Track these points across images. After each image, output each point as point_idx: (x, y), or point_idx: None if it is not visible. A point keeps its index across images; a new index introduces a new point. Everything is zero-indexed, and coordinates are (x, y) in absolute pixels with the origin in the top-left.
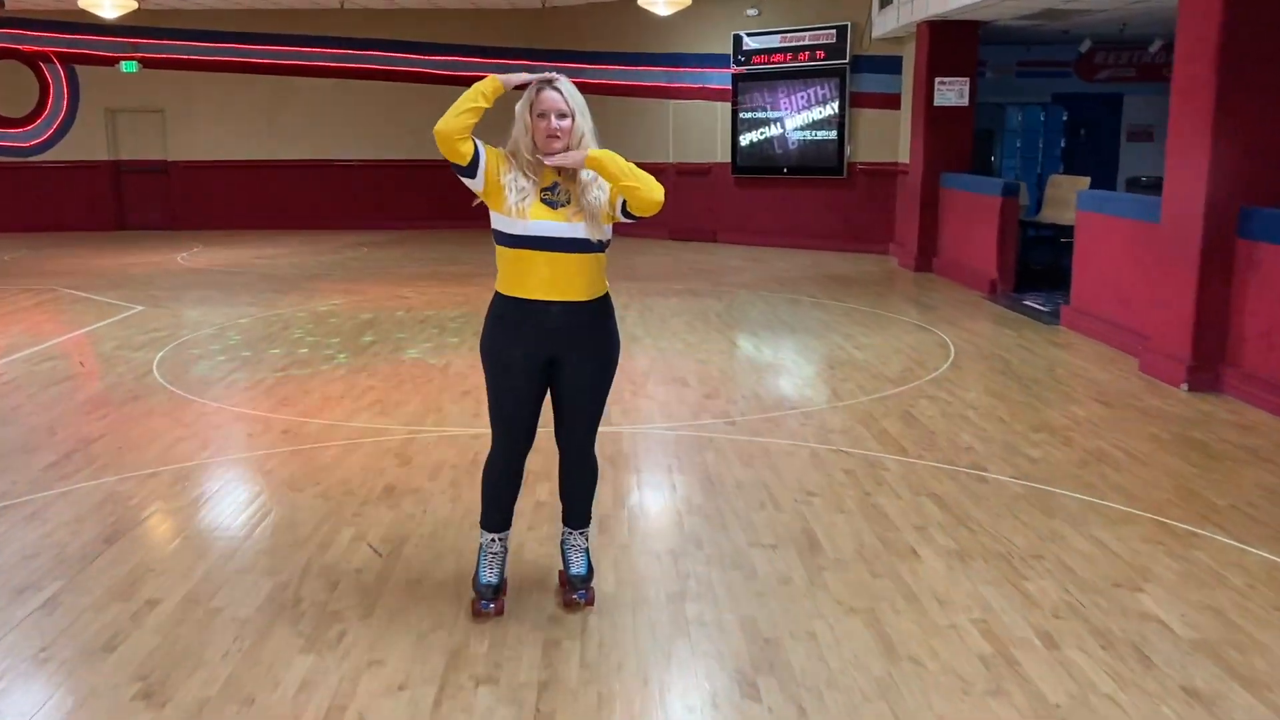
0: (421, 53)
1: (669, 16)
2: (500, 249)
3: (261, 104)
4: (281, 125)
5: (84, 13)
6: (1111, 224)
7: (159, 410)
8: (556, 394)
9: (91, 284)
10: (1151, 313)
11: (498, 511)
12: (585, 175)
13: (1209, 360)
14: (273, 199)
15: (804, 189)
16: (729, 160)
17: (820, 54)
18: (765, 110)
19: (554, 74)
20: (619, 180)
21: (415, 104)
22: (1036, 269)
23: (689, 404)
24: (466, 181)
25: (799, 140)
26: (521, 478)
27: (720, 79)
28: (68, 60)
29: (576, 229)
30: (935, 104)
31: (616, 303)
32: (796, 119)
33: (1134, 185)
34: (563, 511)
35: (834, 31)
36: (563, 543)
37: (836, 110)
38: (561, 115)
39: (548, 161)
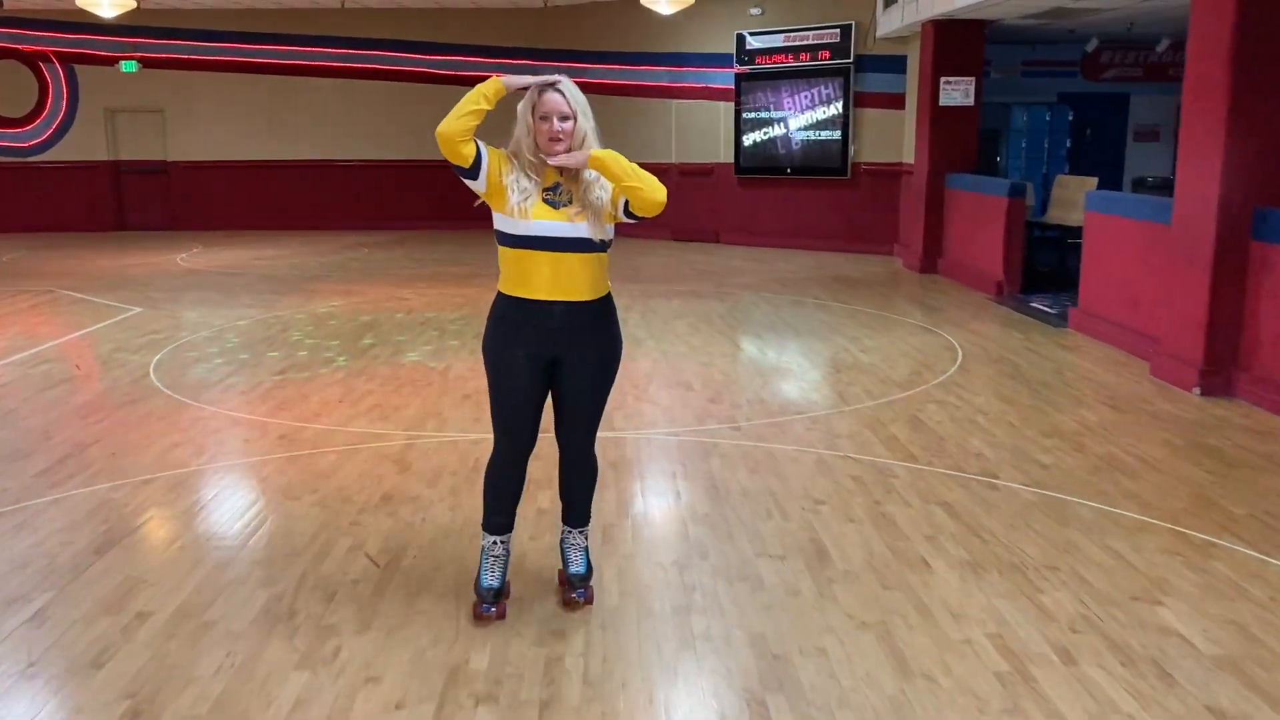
0: (423, 52)
1: (672, 16)
2: (502, 249)
3: (262, 104)
4: (282, 125)
5: (83, 12)
6: (1121, 225)
7: (155, 414)
8: (558, 393)
9: (90, 285)
10: (1162, 315)
11: (500, 514)
12: (588, 175)
13: (1222, 364)
14: (273, 199)
15: (808, 189)
16: (732, 160)
17: (824, 53)
18: (769, 110)
19: (557, 76)
20: (621, 181)
21: (416, 104)
22: (1043, 270)
23: (693, 408)
24: (468, 183)
25: (803, 140)
26: (524, 480)
27: (723, 79)
28: (67, 60)
29: (579, 229)
30: (940, 104)
31: (619, 304)
32: (800, 119)
33: (1140, 186)
34: (562, 511)
35: (838, 31)
36: (562, 541)
37: (840, 110)
38: (564, 118)
39: (551, 162)
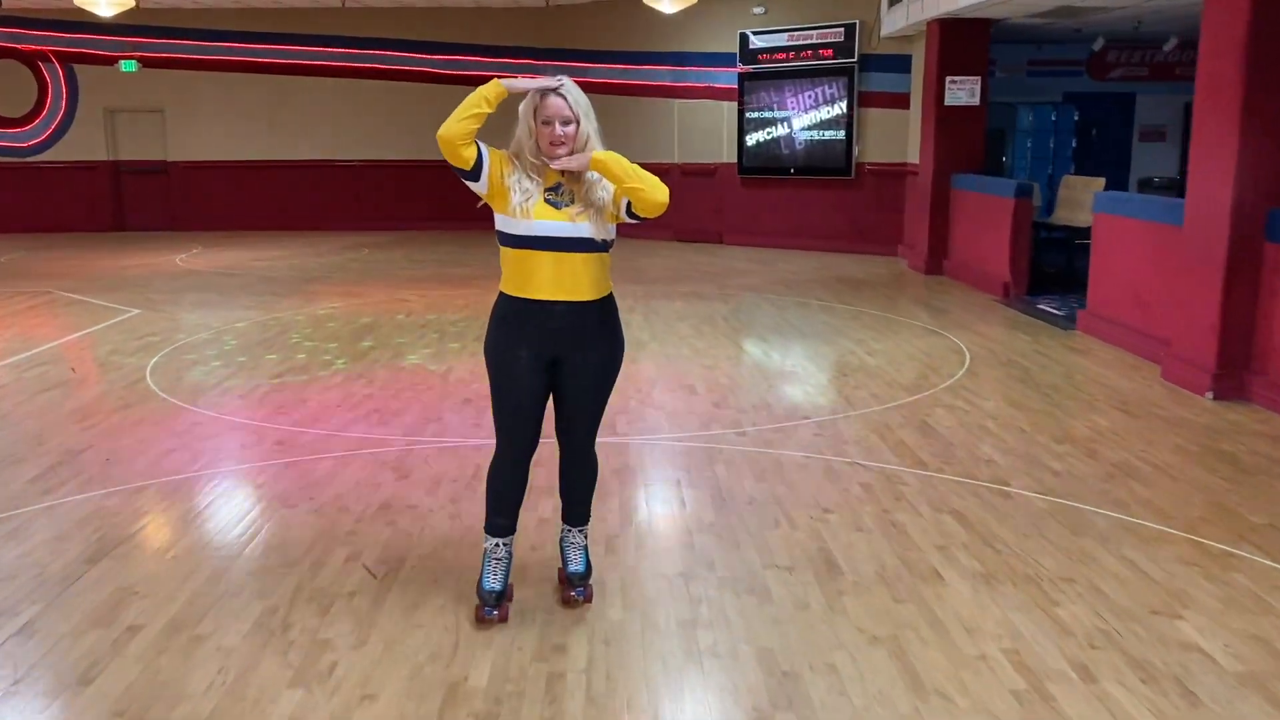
0: (424, 52)
1: (674, 15)
2: (504, 250)
3: (262, 104)
4: (282, 125)
5: (83, 11)
6: (1131, 226)
7: (150, 419)
8: (559, 393)
9: (88, 286)
10: (1174, 318)
11: (502, 515)
12: (590, 175)
13: (1235, 368)
14: (273, 200)
15: (811, 190)
16: (735, 160)
17: (828, 53)
18: (772, 110)
19: (559, 79)
20: (623, 182)
21: (417, 104)
22: (1049, 272)
23: (697, 413)
24: (470, 185)
25: (806, 140)
26: (526, 481)
27: (726, 78)
28: (66, 59)
29: (581, 229)
30: (946, 103)
31: (621, 306)
32: (804, 119)
33: (1146, 186)
34: (562, 510)
35: (842, 30)
36: (561, 540)
37: (844, 110)
38: (566, 122)
39: (553, 165)
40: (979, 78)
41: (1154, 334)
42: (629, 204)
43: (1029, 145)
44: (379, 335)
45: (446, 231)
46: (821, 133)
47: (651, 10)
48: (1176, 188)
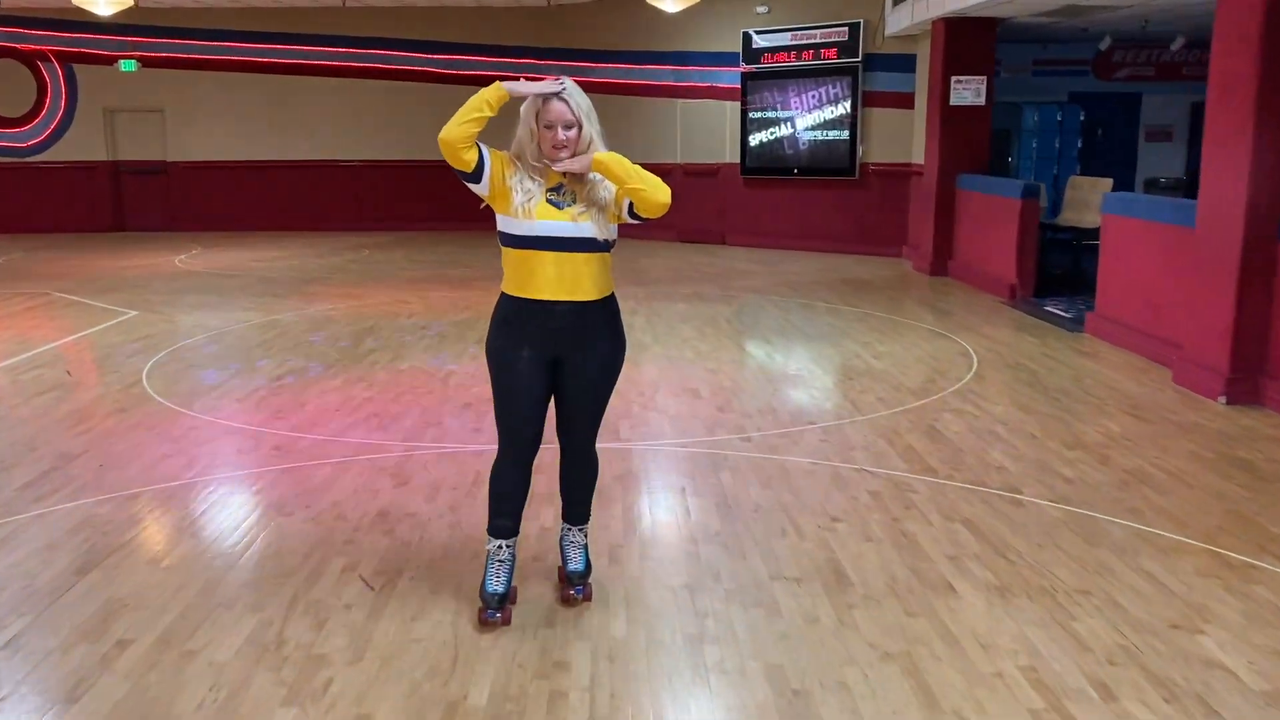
0: (425, 51)
1: (677, 14)
2: (506, 250)
3: (262, 104)
4: (282, 125)
5: (82, 11)
6: (1140, 227)
7: (145, 424)
8: (560, 393)
9: (86, 287)
10: (1185, 321)
11: (504, 516)
12: (591, 175)
13: (1248, 371)
14: (273, 200)
15: (815, 190)
16: (738, 161)
17: (832, 52)
18: (775, 110)
19: (560, 83)
20: (625, 183)
21: (418, 104)
22: (1056, 273)
23: (701, 417)
24: (472, 187)
25: (810, 140)
26: (529, 482)
27: (729, 78)
28: (66, 59)
29: (583, 228)
30: (951, 103)
31: (623, 307)
32: (807, 119)
33: (1152, 186)
34: (562, 508)
35: (846, 29)
36: (561, 539)
37: (848, 110)
38: (568, 126)
39: (555, 168)
40: (984, 77)
41: (1164, 337)
42: (631, 204)
43: (1034, 145)
44: (378, 337)
45: (447, 232)
46: (825, 133)
47: (654, 10)
48: (1183, 188)
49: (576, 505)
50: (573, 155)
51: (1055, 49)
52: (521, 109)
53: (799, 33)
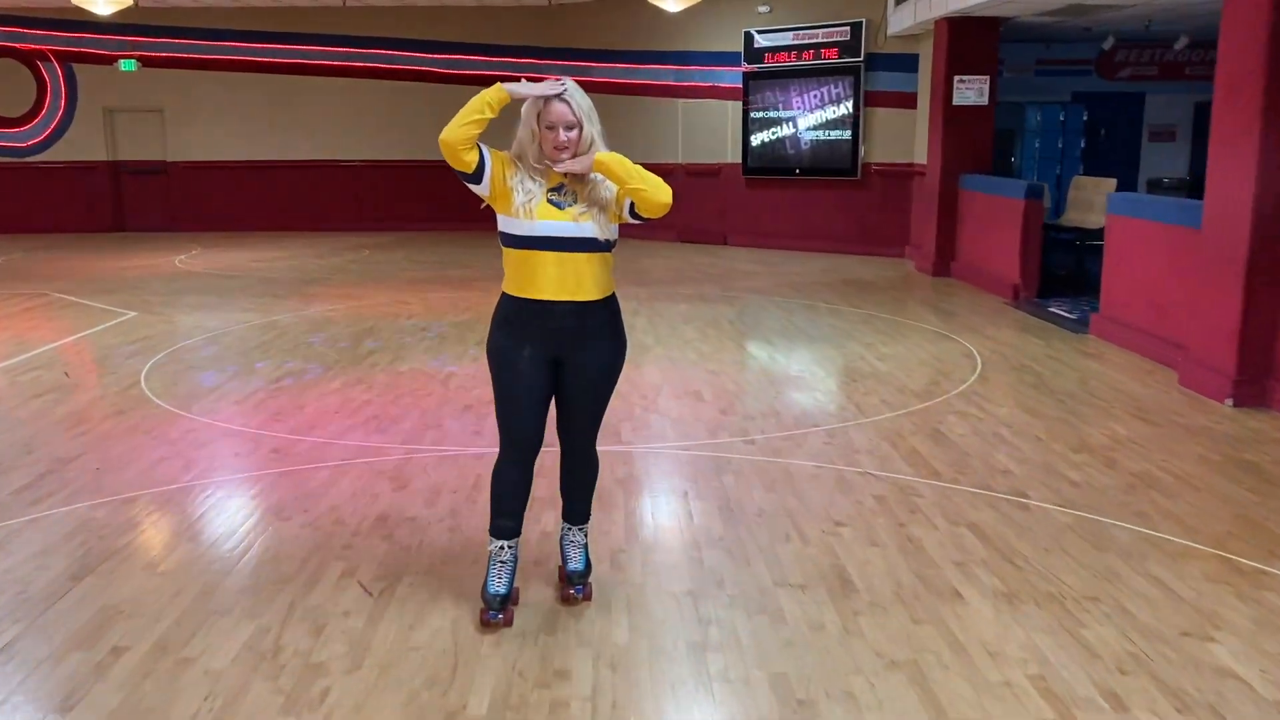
0: (425, 51)
1: (678, 13)
2: (507, 250)
3: (262, 104)
4: (282, 125)
5: (82, 10)
6: (1146, 228)
7: (142, 426)
8: (561, 392)
9: (84, 288)
10: (1192, 322)
11: (506, 517)
12: (592, 175)
13: (1256, 374)
14: (273, 200)
15: (817, 190)
16: (740, 161)
17: (834, 52)
18: (777, 109)
19: (561, 84)
20: (626, 183)
21: (418, 104)
22: (1059, 274)
23: (704, 420)
24: (473, 188)
25: (812, 140)
26: (530, 482)
27: (731, 77)
28: (65, 59)
29: (584, 228)
30: (954, 103)
31: (625, 308)
32: (809, 118)
33: (1155, 186)
34: (562, 508)
35: (848, 29)
36: (561, 538)
37: (850, 109)
38: (570, 127)
39: (557, 169)
40: (988, 77)
41: (1170, 338)
42: (632, 204)
43: (1037, 145)
44: (378, 338)
45: (448, 232)
46: (827, 133)
47: (655, 9)
48: (1187, 188)
49: (576, 505)
50: (574, 156)
51: (1058, 49)
52: (522, 110)
53: (801, 32)
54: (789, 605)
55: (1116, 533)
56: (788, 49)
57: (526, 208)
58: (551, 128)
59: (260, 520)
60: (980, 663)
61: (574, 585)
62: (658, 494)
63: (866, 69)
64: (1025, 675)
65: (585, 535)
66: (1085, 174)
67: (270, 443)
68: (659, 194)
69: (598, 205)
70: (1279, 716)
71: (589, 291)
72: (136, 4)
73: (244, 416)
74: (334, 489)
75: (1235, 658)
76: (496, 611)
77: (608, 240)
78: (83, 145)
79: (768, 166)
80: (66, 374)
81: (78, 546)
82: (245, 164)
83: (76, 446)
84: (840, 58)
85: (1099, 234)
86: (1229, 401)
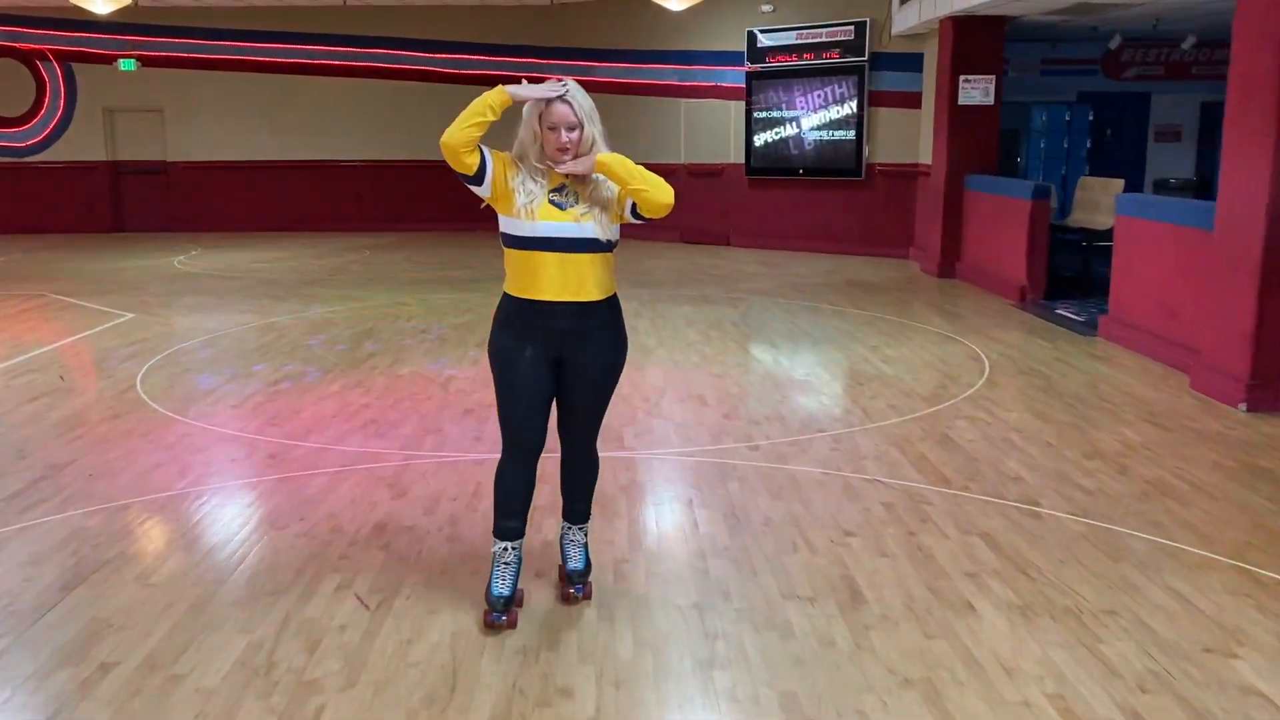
0: (426, 51)
1: (681, 13)
2: (509, 251)
3: (263, 104)
4: (283, 125)
5: (81, 10)
6: (1156, 230)
7: (138, 431)
8: (562, 393)
9: (82, 289)
10: (1204, 325)
11: (509, 518)
12: (594, 175)
13: (1269, 378)
14: (274, 201)
15: (820, 191)
16: (743, 161)
17: (837, 52)
18: (780, 109)
19: (563, 85)
20: (628, 184)
21: (419, 104)
22: (1066, 276)
23: (708, 425)
24: (474, 189)
25: (815, 140)
26: (533, 483)
27: (734, 77)
28: (64, 58)
29: (585, 229)
30: (960, 103)
31: (627, 310)
32: (813, 118)
33: (1162, 187)
34: (563, 507)
35: (852, 28)
36: (562, 538)
37: (854, 109)
38: (571, 127)
39: (558, 170)
40: (994, 76)
41: (1181, 341)
42: (634, 205)
43: (1042, 145)
44: (378, 341)
45: (448, 233)
46: (831, 133)
47: (658, 8)
48: (1193, 189)
49: (577, 504)
50: (575, 157)
51: (1064, 48)
52: (524, 110)
53: (804, 32)
54: (798, 619)
55: (1132, 542)
56: (791, 48)
57: (528, 208)
58: (553, 129)
59: (255, 529)
60: (996, 680)
61: (574, 584)
62: (661, 501)
63: (870, 68)
64: (1043, 694)
65: (585, 534)
66: (1090, 174)
67: (267, 448)
68: (661, 194)
69: (599, 205)
70: None
71: (590, 292)
72: (136, 3)
73: (240, 421)
74: (331, 496)
75: (1260, 675)
76: (500, 613)
77: (609, 241)
78: (82, 145)
79: (771, 167)
80: (62, 377)
81: (69, 556)
82: (245, 164)
83: (71, 452)
84: (844, 57)
85: (1106, 235)
86: (1242, 406)
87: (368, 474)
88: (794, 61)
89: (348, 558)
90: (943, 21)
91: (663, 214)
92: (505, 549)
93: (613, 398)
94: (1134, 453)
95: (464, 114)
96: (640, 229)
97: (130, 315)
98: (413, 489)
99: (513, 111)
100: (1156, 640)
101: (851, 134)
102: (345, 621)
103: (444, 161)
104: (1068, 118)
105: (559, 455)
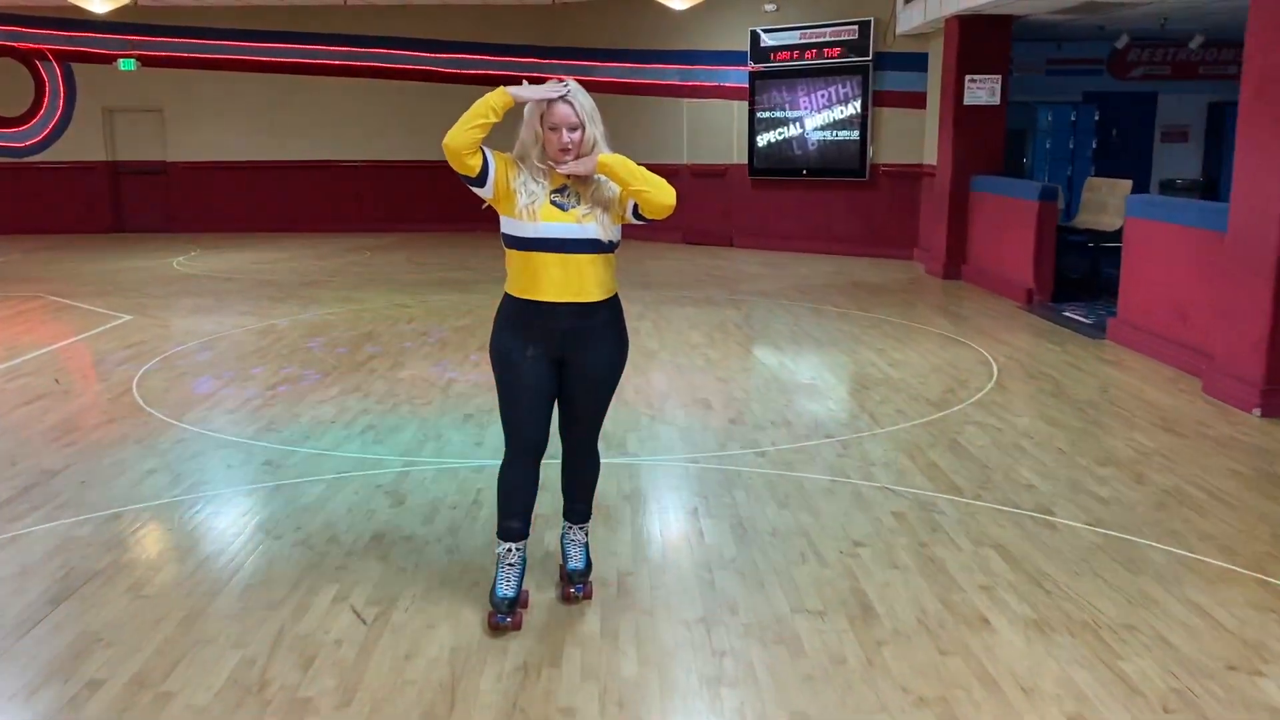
0: (427, 51)
1: (683, 12)
2: (510, 252)
3: (263, 103)
4: (283, 125)
5: (81, 9)
6: (1167, 231)
7: (133, 436)
8: (564, 392)
9: (80, 291)
10: (1217, 329)
11: (513, 519)
12: (595, 176)
13: None
14: (274, 201)
15: (824, 191)
16: (746, 161)
17: (841, 51)
18: (784, 109)
19: (565, 86)
20: (629, 185)
21: (420, 103)
22: (1073, 277)
23: (713, 430)
24: (476, 190)
25: (819, 141)
26: (536, 484)
27: (737, 77)
28: (64, 58)
29: (587, 229)
30: (965, 103)
31: (630, 312)
32: (816, 119)
33: (1168, 188)
34: (564, 507)
35: (856, 27)
36: (562, 537)
37: (858, 109)
38: (573, 128)
39: (560, 170)
40: (1000, 76)
41: (1193, 345)
42: (635, 205)
43: (1048, 146)
44: (378, 344)
45: (450, 233)
46: (835, 133)
47: (660, 8)
48: (1199, 189)
49: (577, 504)
50: (577, 157)
51: (1069, 48)
52: (525, 111)
53: (808, 31)
54: (807, 634)
55: (1149, 553)
56: (794, 48)
57: (530, 209)
58: (554, 129)
59: (250, 538)
60: (1014, 700)
61: (574, 584)
62: (666, 510)
63: (875, 68)
64: (1063, 713)
65: (586, 534)
66: (1096, 175)
67: (263, 454)
68: (662, 195)
69: (601, 206)
70: None
71: (592, 292)
72: (135, 3)
73: (237, 426)
74: (328, 504)
75: None
76: (505, 615)
77: (611, 241)
78: (81, 145)
79: (774, 167)
80: (57, 381)
81: (58, 568)
82: (246, 164)
83: (63, 458)
84: (848, 57)
85: (1113, 236)
86: (1256, 411)
87: (366, 481)
88: (797, 61)
89: (344, 568)
90: (948, 20)
91: (664, 215)
92: (509, 550)
93: (616, 402)
94: (1148, 459)
95: (466, 116)
96: (642, 230)
97: (128, 317)
98: (411, 496)
99: (514, 112)
100: (1178, 657)
101: (855, 134)
102: (341, 636)
103: (445, 161)
104: (1073, 118)
105: (558, 461)
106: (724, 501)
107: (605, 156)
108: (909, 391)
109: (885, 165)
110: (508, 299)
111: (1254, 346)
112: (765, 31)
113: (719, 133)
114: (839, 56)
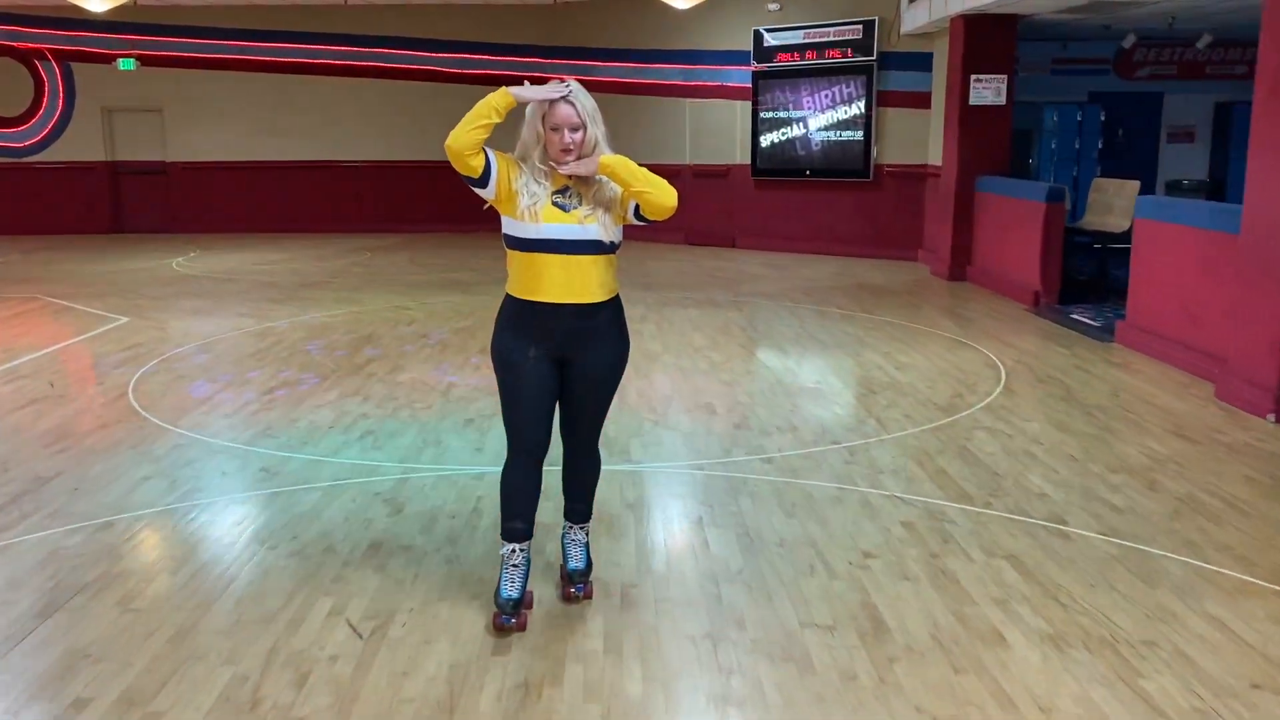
0: (428, 50)
1: (686, 12)
2: (512, 253)
3: (263, 103)
4: (284, 125)
5: (80, 8)
6: (1177, 232)
7: (127, 441)
8: (565, 393)
9: (78, 292)
10: (1229, 333)
11: (517, 519)
12: (597, 176)
13: None
14: (274, 202)
15: (828, 192)
16: (749, 162)
17: (845, 51)
18: (787, 110)
19: (566, 86)
20: (631, 186)
21: (421, 104)
22: (1080, 279)
23: (718, 435)
24: (478, 191)
25: (823, 141)
26: (539, 484)
27: (740, 77)
28: (63, 57)
29: (589, 230)
30: (971, 103)
31: (632, 314)
32: (820, 119)
33: (1174, 188)
34: (565, 507)
35: (860, 27)
36: (563, 537)
37: (863, 109)
38: (574, 128)
39: (561, 171)
40: (1005, 76)
41: (1204, 349)
42: (637, 206)
43: (1053, 146)
44: (378, 347)
45: (451, 234)
46: (839, 133)
47: (663, 7)
48: (1206, 190)
49: (577, 504)
50: (578, 158)
51: (1075, 48)
52: (527, 112)
53: (812, 31)
54: (817, 651)
55: (1166, 565)
56: (798, 48)
57: (531, 210)
58: (556, 130)
59: (245, 548)
60: None
61: (575, 584)
62: (671, 519)
63: (879, 68)
64: None
65: (586, 533)
66: (1102, 175)
67: (260, 460)
68: (664, 197)
69: (602, 207)
70: None
71: (593, 293)
72: (135, 2)
73: (234, 431)
74: (325, 512)
75: None
76: (510, 616)
77: (612, 242)
78: (81, 145)
79: (777, 168)
80: (51, 384)
81: (48, 579)
82: (246, 164)
83: (56, 464)
84: (852, 56)
85: (1121, 238)
86: (1270, 417)
87: (364, 488)
88: (801, 61)
89: (341, 580)
90: (954, 20)
91: (666, 216)
92: (513, 551)
93: (619, 407)
94: (1161, 466)
95: (468, 117)
96: (644, 231)
97: (125, 319)
98: (410, 504)
99: (515, 112)
100: (1200, 675)
101: (859, 134)
102: (336, 652)
103: (446, 162)
104: (1079, 118)
105: (558, 468)
106: (730, 510)
107: (607, 157)
108: (916, 396)
109: (890, 166)
110: (509, 300)
111: (1269, 350)
112: (768, 31)
113: (722, 133)
114: (843, 56)
